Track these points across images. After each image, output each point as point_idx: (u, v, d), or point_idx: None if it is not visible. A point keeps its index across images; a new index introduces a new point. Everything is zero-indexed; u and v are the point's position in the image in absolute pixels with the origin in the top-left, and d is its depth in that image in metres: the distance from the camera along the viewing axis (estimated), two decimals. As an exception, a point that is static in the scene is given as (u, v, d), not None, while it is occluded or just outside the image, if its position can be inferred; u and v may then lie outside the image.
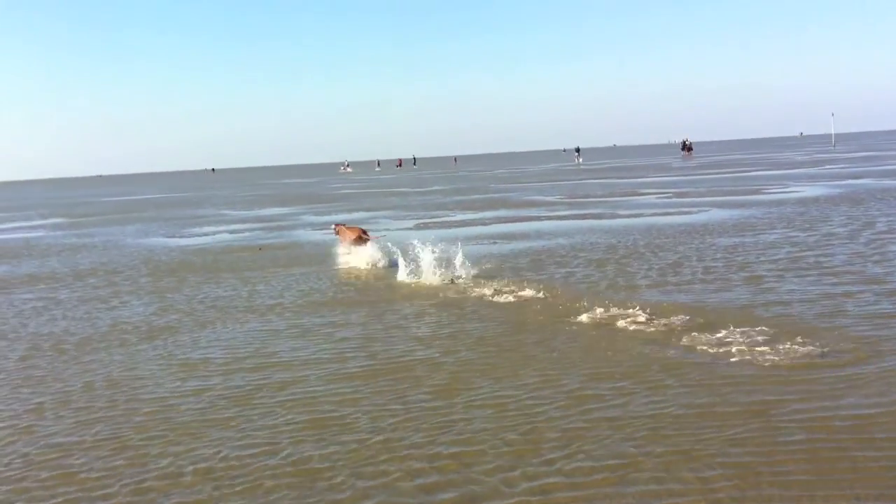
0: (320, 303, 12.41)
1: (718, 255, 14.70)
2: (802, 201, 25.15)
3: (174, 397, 7.75)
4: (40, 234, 31.07)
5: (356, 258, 16.45)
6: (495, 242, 19.04)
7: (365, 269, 15.73)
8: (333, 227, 18.66)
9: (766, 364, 7.66)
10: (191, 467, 5.96)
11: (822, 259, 13.54)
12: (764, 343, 8.32)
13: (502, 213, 28.31)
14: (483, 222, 25.05)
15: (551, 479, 5.39)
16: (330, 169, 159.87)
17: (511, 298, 11.77)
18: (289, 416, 6.94)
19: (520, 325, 10.00)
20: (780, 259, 13.82)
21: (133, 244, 24.24)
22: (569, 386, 7.34)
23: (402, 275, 14.18)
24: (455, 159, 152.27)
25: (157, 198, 64.30)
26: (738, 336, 8.65)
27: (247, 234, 25.74)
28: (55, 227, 34.93)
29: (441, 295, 12.43)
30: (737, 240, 16.74)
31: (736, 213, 22.83)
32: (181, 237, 25.90)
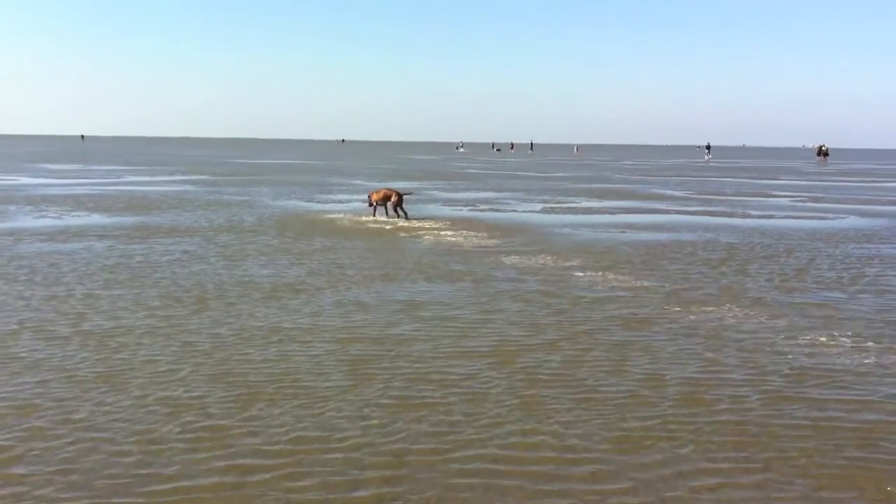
0: (448, 272, 12.95)
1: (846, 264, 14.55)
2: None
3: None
4: (187, 188, 32.83)
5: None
6: (623, 231, 19.22)
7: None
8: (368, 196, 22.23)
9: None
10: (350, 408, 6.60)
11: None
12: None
13: (628, 203, 28.31)
14: (609, 211, 25.18)
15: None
16: (444, 148, 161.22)
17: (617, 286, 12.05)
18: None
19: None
20: (919, 270, 13.59)
21: (273, 205, 25.42)
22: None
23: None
24: (577, 147, 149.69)
25: (289, 163, 66.49)
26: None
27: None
28: (198, 182, 36.77)
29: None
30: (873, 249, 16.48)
31: (877, 222, 22.26)
32: (316, 202, 26.97)
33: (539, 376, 7.37)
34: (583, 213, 24.14)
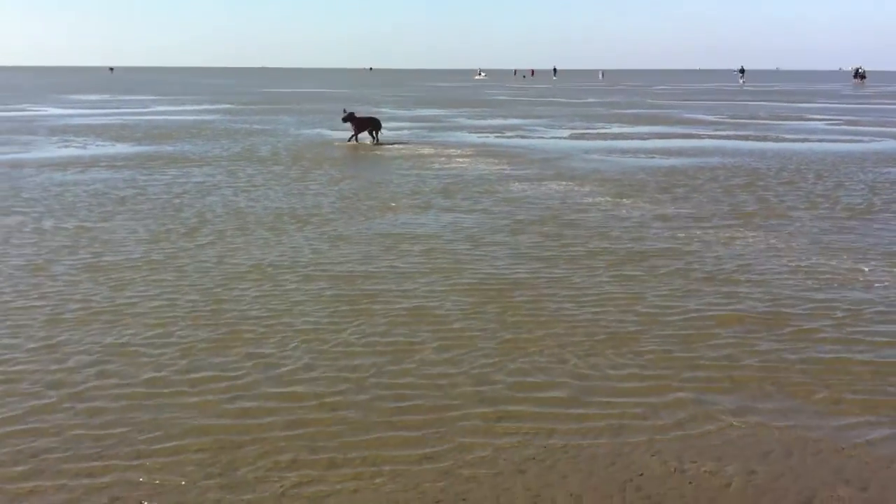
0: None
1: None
2: None
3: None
4: (213, 117, 32.64)
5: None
6: (652, 157, 18.85)
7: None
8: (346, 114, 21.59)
9: None
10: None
11: None
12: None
13: (659, 128, 27.76)
14: (639, 136, 24.70)
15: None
16: (468, 75, 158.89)
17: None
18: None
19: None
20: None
21: (296, 133, 25.20)
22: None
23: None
24: (602, 73, 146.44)
25: (317, 92, 65.90)
26: None
27: (406, 132, 26.29)
28: (224, 112, 36.54)
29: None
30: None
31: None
32: (340, 130, 26.73)
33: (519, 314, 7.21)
34: (612, 139, 23.71)
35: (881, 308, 7.06)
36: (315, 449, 4.54)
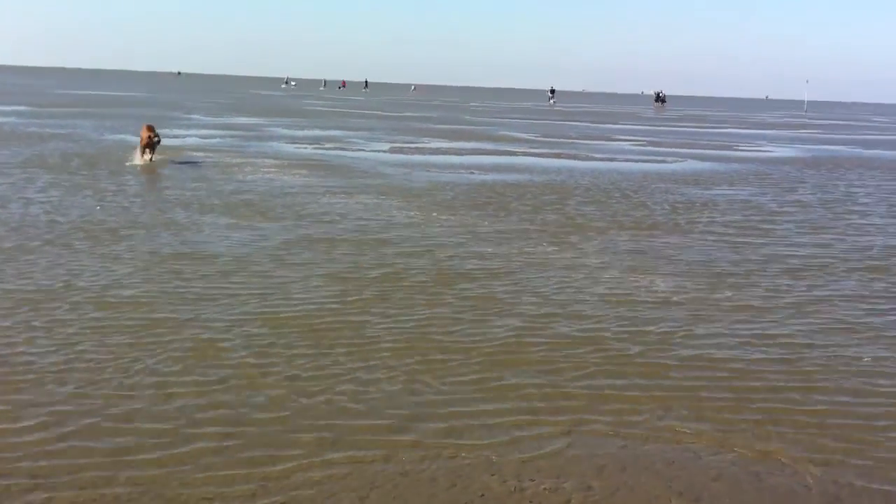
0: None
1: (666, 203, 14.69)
2: (775, 161, 25.27)
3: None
4: (4, 119, 30.04)
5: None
6: (472, 172, 18.82)
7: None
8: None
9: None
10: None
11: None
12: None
13: (477, 145, 28.00)
14: (458, 152, 24.75)
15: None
16: (270, 83, 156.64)
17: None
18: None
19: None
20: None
21: (97, 139, 23.55)
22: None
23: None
24: (414, 87, 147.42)
25: (123, 96, 62.60)
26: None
27: (217, 140, 25.15)
28: (18, 114, 33.80)
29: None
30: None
31: (709, 165, 22.84)
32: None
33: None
34: (431, 154, 23.62)
35: (686, 326, 7.07)
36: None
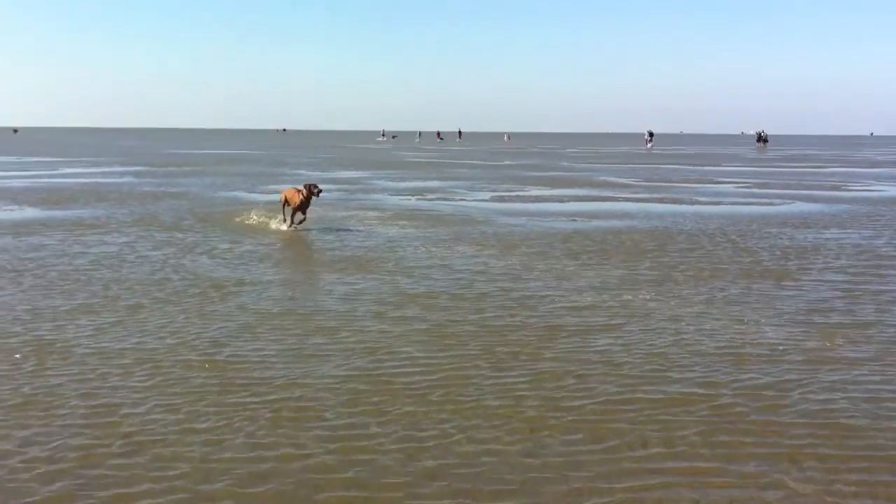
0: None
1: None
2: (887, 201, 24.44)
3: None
4: (124, 179, 31.64)
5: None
6: (574, 220, 18.84)
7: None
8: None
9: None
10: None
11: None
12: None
13: (577, 191, 28.02)
14: (559, 199, 24.83)
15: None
16: (367, 137, 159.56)
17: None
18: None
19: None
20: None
21: (215, 196, 24.55)
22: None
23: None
24: (508, 136, 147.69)
25: (231, 153, 65.02)
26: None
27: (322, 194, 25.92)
28: (136, 174, 35.51)
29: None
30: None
31: (819, 207, 22.26)
32: (269, 193, 26.15)
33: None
34: (531, 202, 23.76)
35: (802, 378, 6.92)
36: None
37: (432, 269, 12.05)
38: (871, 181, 34.67)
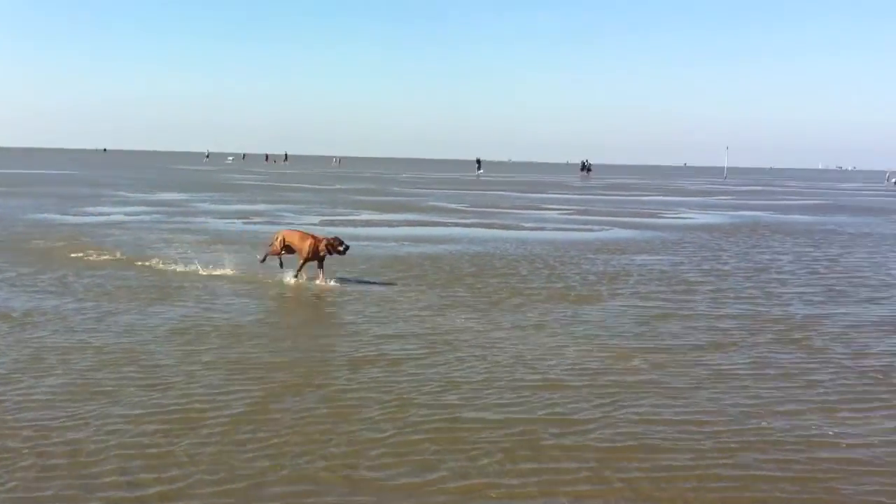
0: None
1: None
2: (704, 227, 25.93)
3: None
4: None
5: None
6: (403, 244, 18.85)
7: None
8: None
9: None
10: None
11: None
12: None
13: (407, 216, 28.14)
14: (389, 224, 24.85)
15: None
16: (192, 158, 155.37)
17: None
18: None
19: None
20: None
21: (25, 219, 23.01)
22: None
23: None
24: (338, 160, 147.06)
25: (53, 174, 61.41)
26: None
27: (143, 217, 24.78)
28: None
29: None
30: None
31: (637, 233, 23.29)
32: (81, 215, 24.74)
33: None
34: (361, 227, 23.64)
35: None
36: None
37: (239, 298, 11.56)
38: (683, 209, 36.71)
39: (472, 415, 6.64)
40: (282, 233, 13.89)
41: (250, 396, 6.99)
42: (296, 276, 13.02)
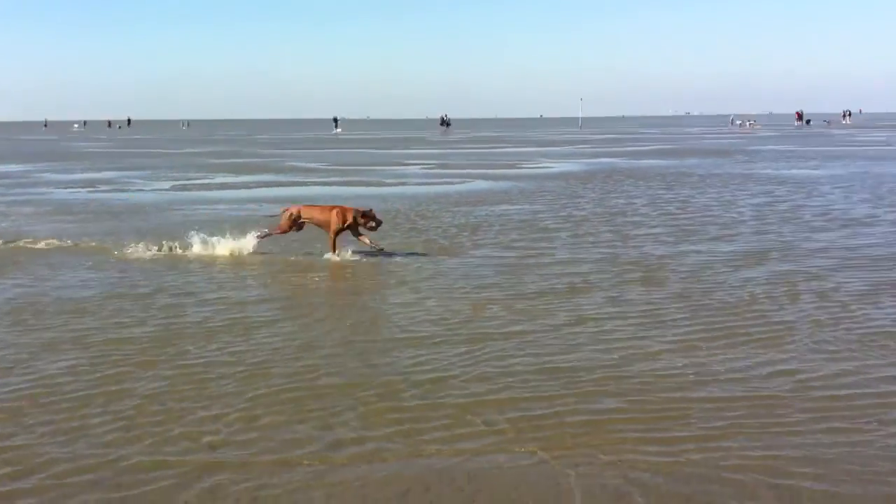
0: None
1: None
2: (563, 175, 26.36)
3: None
4: None
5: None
6: (262, 205, 18.28)
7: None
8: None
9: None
10: None
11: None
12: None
13: (266, 178, 27.40)
14: (247, 185, 24.12)
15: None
16: (30, 128, 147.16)
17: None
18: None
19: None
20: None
21: None
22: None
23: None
24: (186, 123, 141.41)
25: None
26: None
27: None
28: None
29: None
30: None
31: (501, 184, 23.45)
32: None
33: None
34: (217, 190, 22.86)
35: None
36: None
37: (81, 271, 10.82)
38: (541, 159, 37.27)
39: (330, 380, 6.40)
40: (296, 208, 12.08)
41: (99, 371, 6.54)
42: (336, 254, 11.48)
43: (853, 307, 8.36)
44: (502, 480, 4.65)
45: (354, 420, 5.52)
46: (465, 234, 13.82)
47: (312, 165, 33.74)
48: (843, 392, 5.97)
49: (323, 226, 11.79)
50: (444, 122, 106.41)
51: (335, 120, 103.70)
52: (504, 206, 17.71)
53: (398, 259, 11.44)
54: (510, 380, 6.29)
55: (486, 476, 4.70)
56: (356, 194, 20.97)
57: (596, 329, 7.72)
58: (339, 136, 78.45)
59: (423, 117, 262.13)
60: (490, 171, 29.00)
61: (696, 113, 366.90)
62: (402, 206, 17.85)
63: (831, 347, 7.04)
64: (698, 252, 11.77)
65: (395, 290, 9.56)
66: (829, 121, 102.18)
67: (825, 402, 5.77)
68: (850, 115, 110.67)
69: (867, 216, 15.39)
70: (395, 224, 15.07)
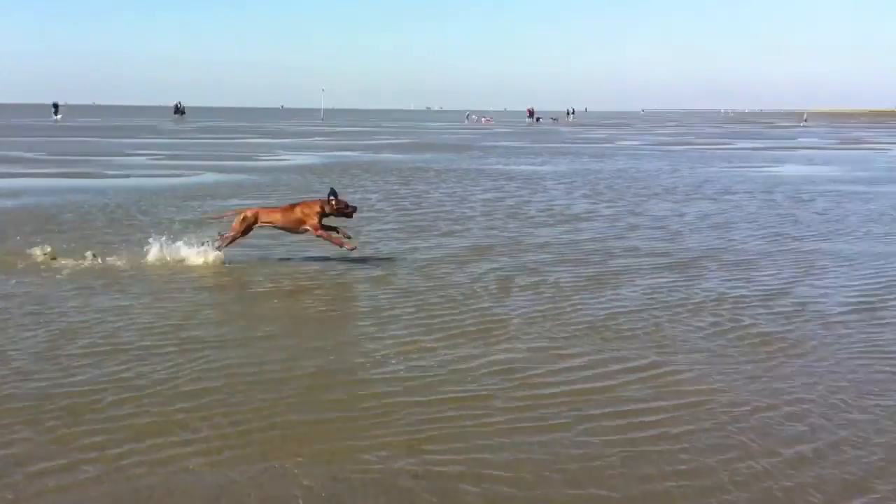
0: None
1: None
2: (298, 169, 25.83)
3: None
4: None
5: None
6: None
7: None
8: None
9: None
10: None
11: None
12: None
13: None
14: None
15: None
16: None
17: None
18: None
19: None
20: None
21: None
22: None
23: None
24: None
25: None
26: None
27: None
28: None
29: None
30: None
31: (233, 178, 22.54)
32: None
33: None
34: None
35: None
36: None
37: None
38: (279, 151, 36.51)
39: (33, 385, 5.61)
40: (251, 211, 10.70)
41: None
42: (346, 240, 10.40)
43: (565, 303, 8.60)
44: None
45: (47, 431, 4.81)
46: (188, 231, 12.97)
47: (28, 155, 30.67)
48: (547, 391, 6.01)
49: (290, 228, 10.59)
50: (179, 111, 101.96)
51: (55, 105, 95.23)
52: (235, 201, 16.94)
53: (110, 263, 10.42)
54: (227, 386, 5.81)
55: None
56: (71, 187, 19.27)
57: (319, 329, 7.44)
58: (60, 124, 72.59)
59: (156, 105, 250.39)
60: (223, 164, 27.87)
61: (436, 107, 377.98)
62: (123, 200, 16.59)
63: (542, 343, 7.15)
64: (428, 248, 11.80)
65: (101, 294, 8.67)
66: (555, 118, 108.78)
67: (531, 401, 5.78)
68: (574, 112, 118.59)
69: (586, 212, 16.24)
70: (113, 220, 13.97)
